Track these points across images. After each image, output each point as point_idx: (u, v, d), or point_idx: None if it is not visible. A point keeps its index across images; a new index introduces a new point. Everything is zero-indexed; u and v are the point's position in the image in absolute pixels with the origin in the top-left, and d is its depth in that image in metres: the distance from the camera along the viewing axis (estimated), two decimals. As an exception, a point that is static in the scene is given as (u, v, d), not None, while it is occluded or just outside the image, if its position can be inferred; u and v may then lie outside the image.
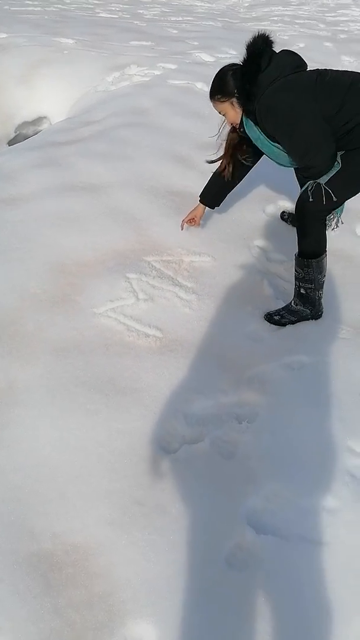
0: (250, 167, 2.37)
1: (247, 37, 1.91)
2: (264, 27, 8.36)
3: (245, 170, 2.39)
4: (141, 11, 9.62)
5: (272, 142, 2.03)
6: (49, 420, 1.74)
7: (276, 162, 2.13)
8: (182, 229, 2.64)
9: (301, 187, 2.10)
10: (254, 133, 2.06)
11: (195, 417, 1.81)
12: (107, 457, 1.65)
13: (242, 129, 2.11)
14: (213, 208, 2.60)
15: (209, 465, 1.65)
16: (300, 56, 1.97)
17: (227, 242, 2.76)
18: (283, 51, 1.96)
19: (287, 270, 2.62)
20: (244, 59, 1.91)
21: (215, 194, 2.51)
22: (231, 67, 2.02)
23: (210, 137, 2.34)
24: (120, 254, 2.56)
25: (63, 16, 7.97)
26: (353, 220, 2.98)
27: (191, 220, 2.62)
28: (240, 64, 1.95)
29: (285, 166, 2.13)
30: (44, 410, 1.77)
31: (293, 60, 1.94)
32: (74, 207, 2.86)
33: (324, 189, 1.99)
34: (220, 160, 2.35)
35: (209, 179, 2.50)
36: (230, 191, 2.51)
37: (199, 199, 2.56)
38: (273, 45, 1.93)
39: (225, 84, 2.01)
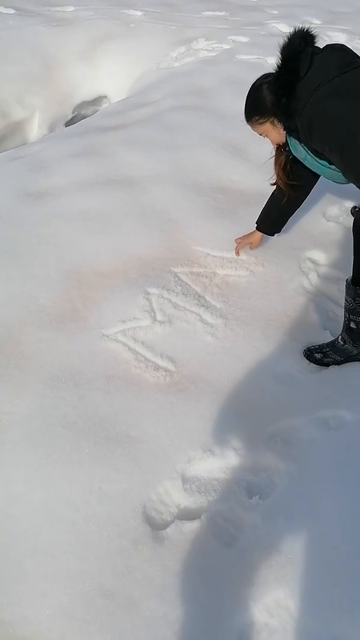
0: (312, 186, 2.03)
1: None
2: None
3: (306, 190, 2.04)
4: (223, -22, 8.95)
5: (320, 161, 1.66)
6: (23, 469, 1.50)
7: (332, 181, 1.73)
8: (237, 254, 2.31)
9: None
10: (300, 153, 1.71)
11: (197, 483, 1.49)
12: (82, 526, 1.38)
13: (287, 149, 1.77)
14: (272, 235, 2.26)
15: (201, 552, 1.33)
16: (350, 50, 1.55)
17: (273, 251, 2.35)
18: (327, 47, 1.55)
19: (341, 292, 2.16)
20: (278, 66, 1.53)
21: (274, 219, 2.18)
22: (265, 78, 1.65)
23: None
24: (144, 263, 2.25)
25: (137, -14, 7.58)
26: None
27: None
28: (275, 73, 1.58)
29: (341, 183, 1.72)
30: (21, 455, 1.53)
31: (341, 57, 1.51)
32: (104, 204, 2.58)
33: None
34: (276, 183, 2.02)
35: (266, 202, 2.15)
36: (292, 214, 2.17)
37: (256, 225, 2.22)
38: (315, 41, 1.55)
39: (262, 102, 1.65)
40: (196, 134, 3.26)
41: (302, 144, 1.68)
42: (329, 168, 1.69)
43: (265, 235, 2.25)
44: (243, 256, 2.31)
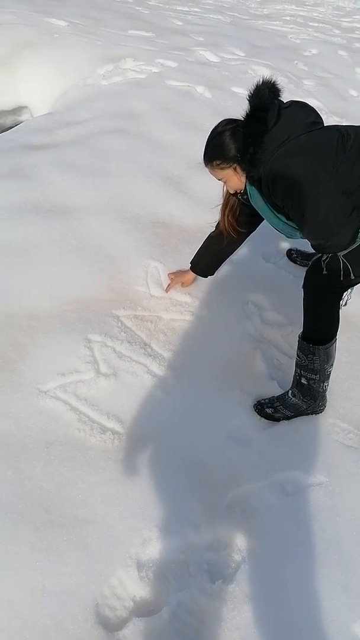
0: (250, 233, 2.00)
1: (251, 85, 1.51)
2: (275, 27, 7.86)
3: (246, 237, 2.01)
4: (146, -4, 8.97)
5: (278, 215, 1.64)
6: None
7: (283, 234, 1.72)
8: (167, 292, 2.24)
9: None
10: (259, 203, 1.67)
11: (153, 568, 1.35)
12: (24, 636, 1.18)
13: (245, 197, 1.72)
14: (206, 277, 2.22)
15: (164, 655, 1.20)
16: (314, 110, 1.57)
17: (216, 293, 2.29)
18: (294, 104, 1.56)
19: (284, 338, 2.17)
20: (247, 114, 1.50)
21: (209, 262, 2.15)
22: (229, 124, 1.62)
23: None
24: (84, 305, 2.07)
25: (60, -7, 7.31)
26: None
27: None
28: (239, 120, 1.56)
29: (293, 238, 1.71)
30: None
31: (307, 115, 1.53)
32: (35, 235, 2.35)
33: (342, 262, 1.56)
34: (217, 224, 1.99)
35: (202, 243, 2.12)
36: (226, 259, 2.16)
37: (190, 266, 2.18)
38: (280, 95, 1.54)
39: (225, 147, 1.62)
40: (131, 162, 3.14)
41: (263, 195, 1.64)
42: (286, 223, 1.66)
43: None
44: (187, 298, 2.22)
